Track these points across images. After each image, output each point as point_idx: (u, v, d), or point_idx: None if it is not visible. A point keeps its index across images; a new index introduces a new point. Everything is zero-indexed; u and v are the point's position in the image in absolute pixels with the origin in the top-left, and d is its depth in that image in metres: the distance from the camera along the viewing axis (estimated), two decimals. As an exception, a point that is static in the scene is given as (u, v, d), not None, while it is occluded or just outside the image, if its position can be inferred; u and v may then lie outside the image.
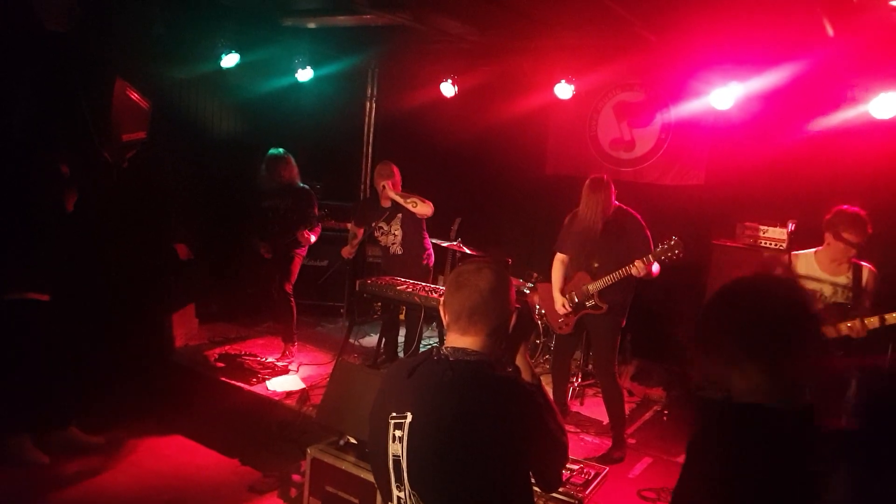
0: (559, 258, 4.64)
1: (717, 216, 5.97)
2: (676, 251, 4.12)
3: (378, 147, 8.14)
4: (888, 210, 4.85)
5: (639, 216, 4.41)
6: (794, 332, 1.51)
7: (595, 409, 5.34)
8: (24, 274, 3.93)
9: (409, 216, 5.49)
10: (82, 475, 3.94)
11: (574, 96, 6.37)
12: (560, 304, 4.55)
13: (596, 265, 4.37)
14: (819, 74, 5.15)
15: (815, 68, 5.09)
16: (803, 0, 4.29)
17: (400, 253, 5.62)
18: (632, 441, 4.81)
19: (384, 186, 5.43)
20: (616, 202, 4.41)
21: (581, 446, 4.64)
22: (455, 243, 6.39)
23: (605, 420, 5.13)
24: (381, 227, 5.63)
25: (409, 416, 1.78)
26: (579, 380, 5.57)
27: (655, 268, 4.28)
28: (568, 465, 3.96)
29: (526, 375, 2.02)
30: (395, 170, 5.57)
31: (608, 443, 4.70)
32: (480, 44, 6.40)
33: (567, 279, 4.57)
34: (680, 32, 5.33)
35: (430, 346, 1.93)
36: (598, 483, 3.83)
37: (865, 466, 0.97)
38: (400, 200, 5.39)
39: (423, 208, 5.40)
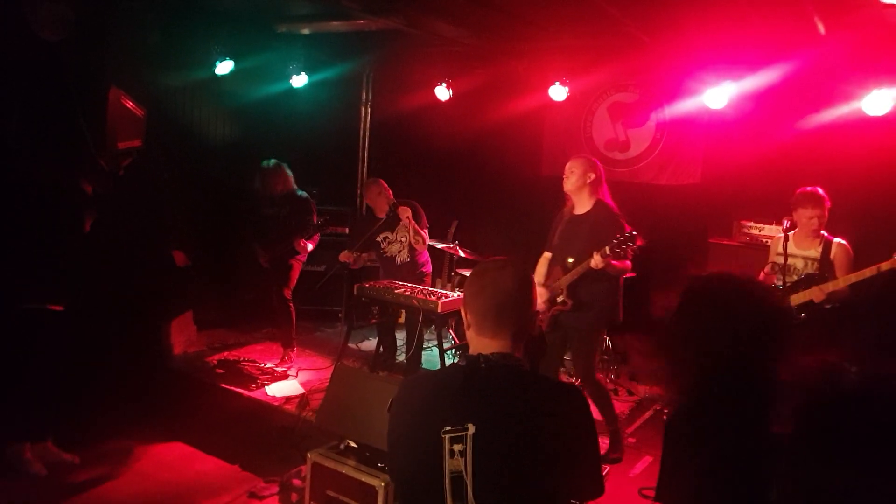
0: (544, 255, 4.66)
1: (714, 215, 6.00)
2: (631, 243, 4.04)
3: (374, 151, 8.16)
4: (883, 205, 4.88)
5: (617, 210, 4.33)
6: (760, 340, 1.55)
7: (594, 408, 5.35)
8: (42, 284, 3.94)
9: (415, 213, 5.54)
10: (83, 484, 3.93)
11: (568, 98, 6.39)
12: (540, 299, 4.53)
13: (570, 260, 4.33)
14: (811, 72, 5.18)
15: (807, 66, 5.11)
16: (795, -1, 4.32)
17: (408, 261, 5.63)
18: (632, 440, 4.82)
19: (407, 217, 5.48)
20: (603, 195, 4.40)
21: (581, 447, 4.64)
22: (452, 246, 6.40)
23: (605, 420, 5.15)
24: (387, 237, 5.64)
25: (472, 428, 1.69)
26: (578, 382, 5.57)
27: (623, 263, 4.22)
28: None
29: None
30: (385, 185, 5.65)
31: (608, 442, 4.71)
32: (474, 47, 6.42)
33: (549, 276, 4.56)
34: (673, 33, 5.35)
35: (462, 354, 1.83)
36: (598, 483, 3.84)
37: (809, 464, 1.02)
38: (411, 235, 5.48)
39: (423, 244, 5.56)
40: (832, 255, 4.24)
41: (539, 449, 1.67)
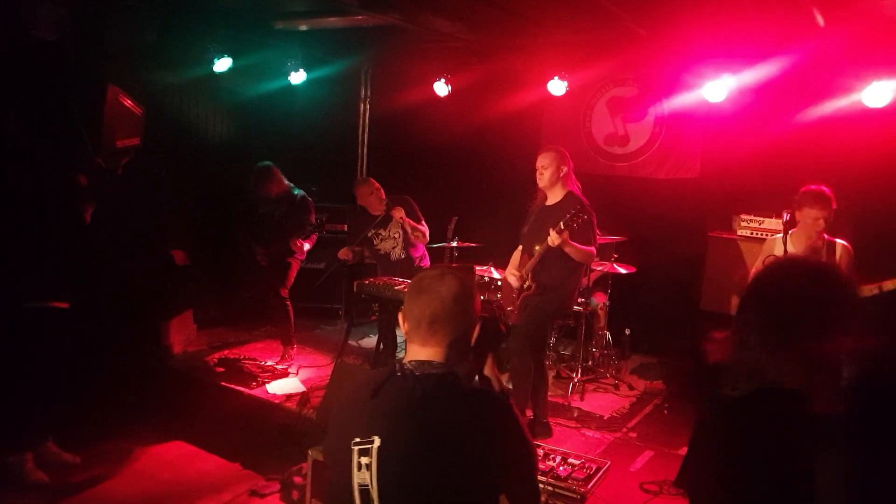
0: (518, 247, 4.67)
1: (713, 208, 5.99)
2: (585, 215, 4.11)
3: (373, 148, 8.14)
4: (882, 197, 4.87)
5: (587, 203, 4.32)
6: (832, 319, 1.49)
7: (595, 403, 5.36)
8: (44, 283, 3.92)
9: (409, 211, 5.53)
10: (84, 484, 3.92)
11: (567, 92, 6.38)
12: (514, 284, 4.55)
13: (537, 248, 4.36)
14: (810, 65, 5.17)
15: (806, 59, 5.10)
16: (793, -9, 4.31)
17: (403, 257, 5.63)
18: (633, 434, 4.82)
19: (401, 219, 5.48)
20: (573, 187, 4.41)
21: (582, 441, 4.65)
22: (451, 243, 6.39)
23: (606, 415, 5.15)
24: (380, 234, 5.63)
25: (377, 441, 1.66)
26: (579, 375, 5.58)
27: (584, 246, 4.22)
28: (570, 460, 3.97)
29: (494, 387, 1.95)
30: (376, 184, 5.66)
31: (609, 437, 4.72)
32: (472, 42, 6.40)
33: (520, 265, 4.57)
34: (671, 26, 5.33)
35: (391, 362, 1.82)
36: (599, 477, 3.83)
37: (856, 450, 0.98)
38: (409, 231, 5.47)
39: (424, 238, 5.56)
40: (838, 258, 4.01)
41: (452, 461, 1.62)
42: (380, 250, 5.69)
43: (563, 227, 4.05)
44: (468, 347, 1.84)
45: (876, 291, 3.69)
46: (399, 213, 5.47)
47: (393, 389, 1.72)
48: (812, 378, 1.45)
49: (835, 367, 1.39)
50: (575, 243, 4.15)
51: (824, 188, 4.03)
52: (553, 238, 4.06)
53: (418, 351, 1.77)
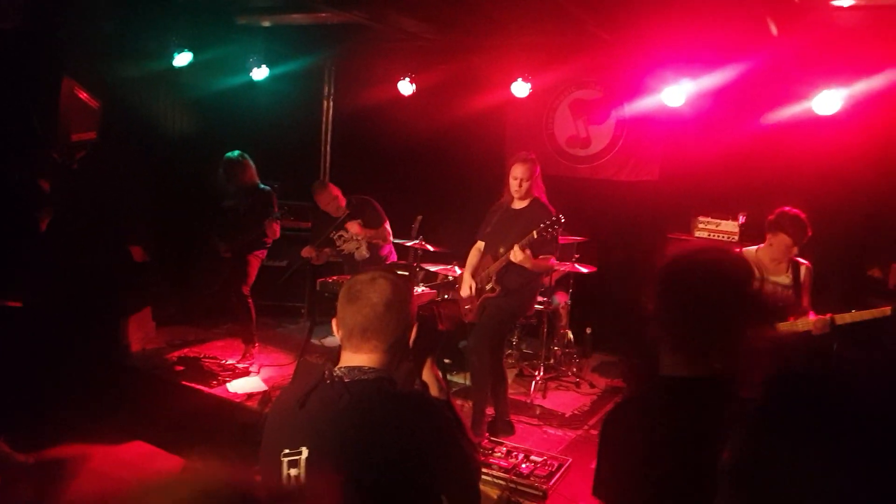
0: (476, 245, 4.71)
1: (672, 211, 6.13)
2: (557, 226, 4.13)
3: (336, 146, 8.10)
4: (830, 202, 5.05)
5: (553, 210, 4.39)
6: (731, 318, 1.57)
7: (557, 401, 5.44)
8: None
9: (368, 218, 5.51)
10: (37, 485, 3.83)
11: (531, 94, 6.44)
12: (467, 286, 4.60)
13: (501, 251, 4.40)
14: (765, 72, 5.33)
15: (761, 66, 5.26)
16: (748, 0, 4.44)
17: (368, 256, 5.62)
18: (594, 432, 4.90)
19: (354, 236, 5.52)
20: (539, 192, 4.46)
21: (544, 439, 4.71)
22: (417, 241, 6.41)
23: (568, 412, 5.24)
24: (342, 236, 5.62)
25: (305, 452, 1.62)
26: (541, 373, 5.66)
27: (546, 259, 4.31)
28: (532, 458, 4.03)
29: (434, 390, 1.91)
30: (335, 190, 5.65)
31: (571, 434, 4.80)
32: (438, 42, 6.43)
33: (479, 265, 4.62)
34: (633, 31, 5.44)
35: (321, 369, 1.75)
36: (561, 474, 3.91)
37: (765, 434, 1.04)
38: (369, 240, 5.48)
39: (385, 240, 5.62)
40: (802, 279, 4.05)
41: (383, 469, 1.59)
42: (343, 251, 5.67)
43: (535, 236, 4.11)
44: (407, 349, 1.81)
45: (792, 329, 3.80)
46: (354, 229, 5.47)
47: (320, 398, 1.67)
48: (727, 366, 1.54)
49: (746, 356, 1.48)
50: (536, 260, 4.21)
51: (801, 215, 3.96)
52: (517, 255, 4.11)
53: (350, 357, 1.73)
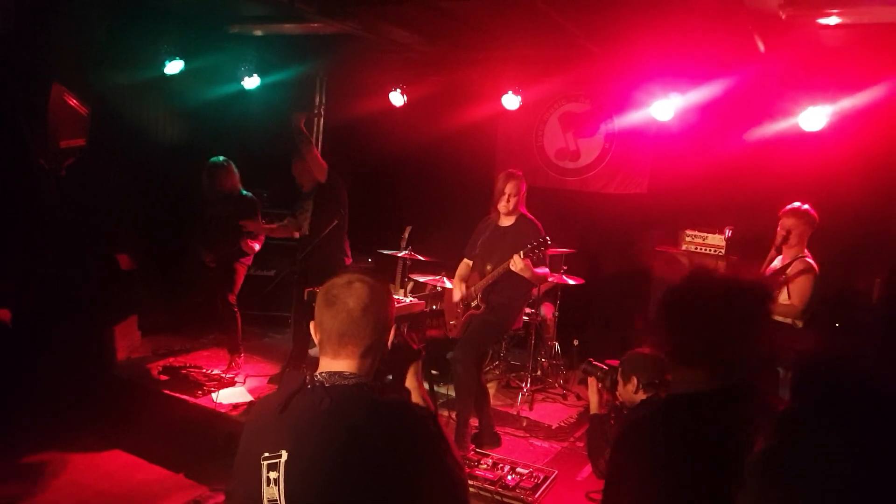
0: (464, 262, 4.73)
1: (660, 224, 6.17)
2: (544, 247, 4.18)
3: (327, 156, 8.06)
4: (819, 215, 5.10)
5: (539, 224, 4.43)
6: (745, 333, 1.62)
7: (543, 413, 5.42)
8: None
9: (327, 196, 5.54)
10: (17, 496, 3.78)
11: (521, 107, 6.48)
12: (458, 292, 4.60)
13: (488, 268, 4.44)
14: (752, 88, 5.40)
15: (748, 82, 5.33)
16: (735, 17, 4.49)
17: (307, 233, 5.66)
18: (580, 444, 4.89)
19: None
20: (524, 209, 4.50)
21: (530, 451, 4.70)
22: (407, 251, 6.41)
23: (555, 424, 5.23)
24: (304, 206, 5.72)
25: (285, 455, 1.62)
26: (528, 385, 5.65)
27: (542, 270, 4.34)
28: (518, 469, 4.02)
29: (416, 400, 1.90)
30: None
31: (557, 447, 4.79)
32: (429, 54, 6.46)
33: (468, 283, 4.63)
34: (622, 45, 5.49)
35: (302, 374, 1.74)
36: (547, 486, 3.90)
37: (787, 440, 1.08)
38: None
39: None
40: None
41: (361, 475, 1.59)
42: (300, 222, 5.78)
43: (524, 255, 4.12)
44: (386, 350, 1.81)
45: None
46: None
47: (301, 402, 1.67)
48: (742, 378, 1.58)
49: (763, 367, 1.52)
50: (536, 270, 4.25)
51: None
52: (517, 264, 4.12)
53: (330, 363, 1.73)
